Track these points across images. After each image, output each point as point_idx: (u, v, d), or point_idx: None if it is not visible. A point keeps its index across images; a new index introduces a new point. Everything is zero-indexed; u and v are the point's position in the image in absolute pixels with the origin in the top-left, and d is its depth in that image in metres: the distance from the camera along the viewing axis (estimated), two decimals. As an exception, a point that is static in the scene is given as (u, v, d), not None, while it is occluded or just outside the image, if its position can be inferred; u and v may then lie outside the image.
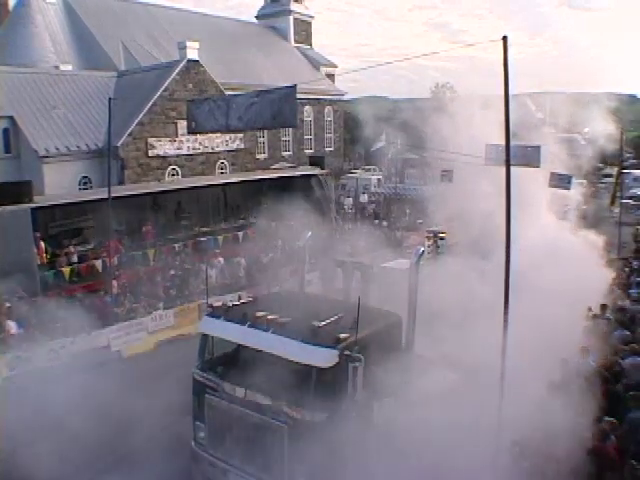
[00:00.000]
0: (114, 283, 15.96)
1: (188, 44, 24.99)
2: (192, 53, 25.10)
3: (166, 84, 24.00)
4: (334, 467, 6.57)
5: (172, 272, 17.46)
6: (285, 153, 37.27)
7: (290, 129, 35.82)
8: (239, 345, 7.82)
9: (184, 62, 24.78)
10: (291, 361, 6.89)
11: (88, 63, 28.95)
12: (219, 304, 8.43)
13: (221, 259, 18.74)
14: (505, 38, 6.79)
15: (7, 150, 21.64)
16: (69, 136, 22.27)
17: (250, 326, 7.58)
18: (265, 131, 33.13)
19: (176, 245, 18.33)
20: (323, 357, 6.82)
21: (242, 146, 27.03)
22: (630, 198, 30.20)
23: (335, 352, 6.81)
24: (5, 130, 21.50)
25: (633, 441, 6.90)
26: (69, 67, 27.19)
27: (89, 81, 25.05)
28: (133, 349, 14.60)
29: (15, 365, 12.69)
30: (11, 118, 21.46)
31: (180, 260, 18.05)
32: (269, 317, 7.55)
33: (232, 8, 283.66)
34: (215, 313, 8.20)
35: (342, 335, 6.97)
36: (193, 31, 31.55)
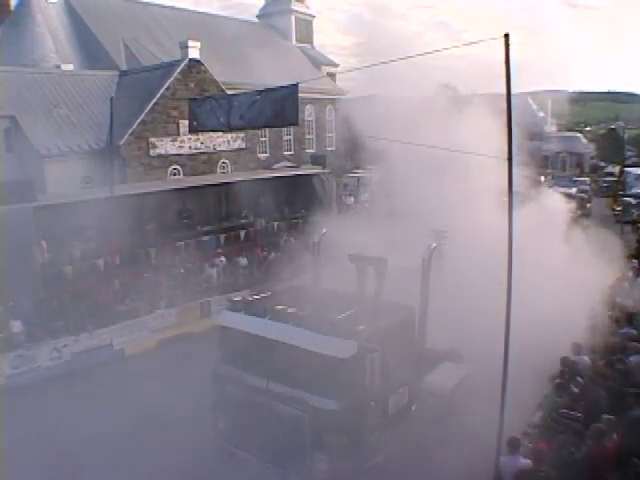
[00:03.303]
0: (116, 282, 16.02)
1: (190, 43, 24.96)
2: (194, 52, 25.08)
3: (168, 83, 23.98)
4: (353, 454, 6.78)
5: (174, 271, 17.49)
6: (287, 152, 37.25)
7: (292, 129, 35.85)
8: (258, 337, 8.01)
9: (186, 61, 24.76)
10: (311, 352, 7.12)
11: (89, 62, 28.94)
12: (238, 299, 8.83)
13: (223, 258, 18.78)
14: (507, 36, 6.78)
15: (9, 149, 21.64)
16: (71, 135, 22.26)
17: (270, 319, 7.87)
18: (267, 130, 33.15)
19: (178, 244, 18.36)
20: (342, 348, 7.05)
21: (244, 145, 27.01)
22: (632, 197, 30.12)
23: (354, 343, 7.05)
24: (7, 129, 21.50)
25: (634, 439, 6.88)
26: (70, 66, 27.17)
27: (90, 80, 25.02)
28: (135, 347, 14.67)
29: (18, 364, 12.75)
30: (13, 118, 21.42)
31: (182, 259, 18.07)
32: (288, 310, 7.86)
33: (231, 7, 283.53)
34: (235, 307, 8.54)
35: (360, 327, 7.22)
36: (195, 30, 31.49)
